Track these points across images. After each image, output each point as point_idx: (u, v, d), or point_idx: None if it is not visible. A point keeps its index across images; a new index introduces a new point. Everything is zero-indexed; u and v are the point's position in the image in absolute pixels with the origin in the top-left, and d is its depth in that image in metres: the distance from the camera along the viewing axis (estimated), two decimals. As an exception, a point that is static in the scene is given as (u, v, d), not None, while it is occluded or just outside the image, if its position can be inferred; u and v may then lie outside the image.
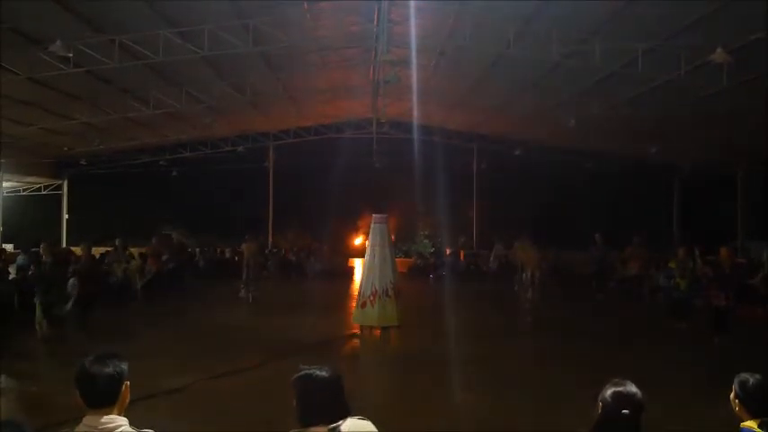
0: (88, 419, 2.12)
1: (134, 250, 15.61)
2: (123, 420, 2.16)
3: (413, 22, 11.22)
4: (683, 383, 7.01)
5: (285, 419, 2.46)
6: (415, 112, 18.42)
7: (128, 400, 2.23)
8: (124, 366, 2.22)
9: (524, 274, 15.73)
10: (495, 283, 18.18)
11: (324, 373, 2.31)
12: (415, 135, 20.84)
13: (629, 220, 19.34)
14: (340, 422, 2.21)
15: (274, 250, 22.53)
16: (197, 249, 20.40)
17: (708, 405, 5.19)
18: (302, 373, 2.33)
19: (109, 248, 15.46)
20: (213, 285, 16.79)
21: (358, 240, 24.71)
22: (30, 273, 11.06)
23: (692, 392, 6.53)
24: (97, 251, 15.15)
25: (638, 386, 2.40)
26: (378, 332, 10.44)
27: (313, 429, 2.20)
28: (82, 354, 2.24)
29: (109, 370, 2.16)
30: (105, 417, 2.11)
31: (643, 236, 15.04)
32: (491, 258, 19.99)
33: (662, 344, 9.60)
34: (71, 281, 10.63)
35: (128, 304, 11.99)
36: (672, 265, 12.34)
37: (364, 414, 2.30)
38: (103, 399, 2.14)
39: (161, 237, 15.68)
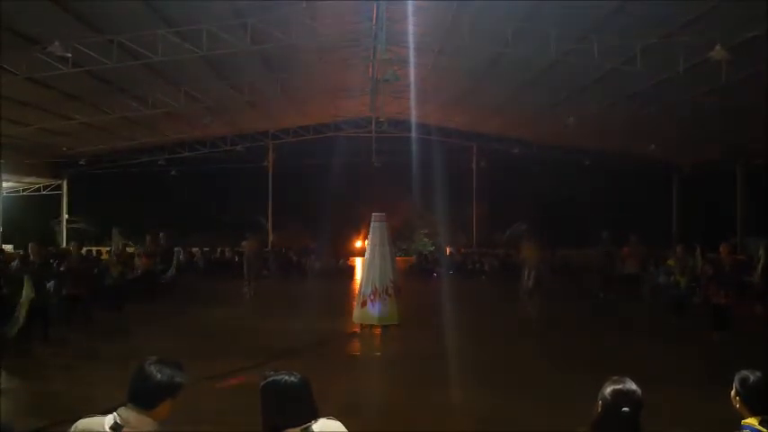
0: (122, 411, 2.15)
1: (132, 249, 15.61)
2: (152, 427, 2.16)
3: (411, 20, 11.23)
4: (683, 381, 7.01)
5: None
6: (414, 111, 18.42)
7: (166, 414, 2.22)
8: (179, 380, 2.21)
9: (525, 273, 15.68)
10: (496, 281, 18.15)
11: (293, 378, 2.27)
12: (414, 133, 20.86)
13: (629, 217, 19.31)
14: (311, 422, 2.20)
15: (275, 249, 22.54)
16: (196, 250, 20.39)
17: (708, 402, 5.19)
18: (270, 379, 2.28)
19: (108, 248, 15.44)
20: (213, 285, 16.77)
21: (358, 239, 24.71)
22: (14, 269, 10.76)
23: (692, 390, 6.53)
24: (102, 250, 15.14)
25: (637, 383, 2.40)
26: (378, 331, 10.44)
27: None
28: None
29: (161, 377, 2.18)
30: (137, 415, 2.14)
31: (639, 234, 15.00)
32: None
33: (662, 341, 9.61)
34: (51, 282, 10.38)
35: (123, 305, 11.94)
36: (671, 262, 12.34)
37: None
38: (143, 400, 2.16)
39: (154, 236, 15.60)
